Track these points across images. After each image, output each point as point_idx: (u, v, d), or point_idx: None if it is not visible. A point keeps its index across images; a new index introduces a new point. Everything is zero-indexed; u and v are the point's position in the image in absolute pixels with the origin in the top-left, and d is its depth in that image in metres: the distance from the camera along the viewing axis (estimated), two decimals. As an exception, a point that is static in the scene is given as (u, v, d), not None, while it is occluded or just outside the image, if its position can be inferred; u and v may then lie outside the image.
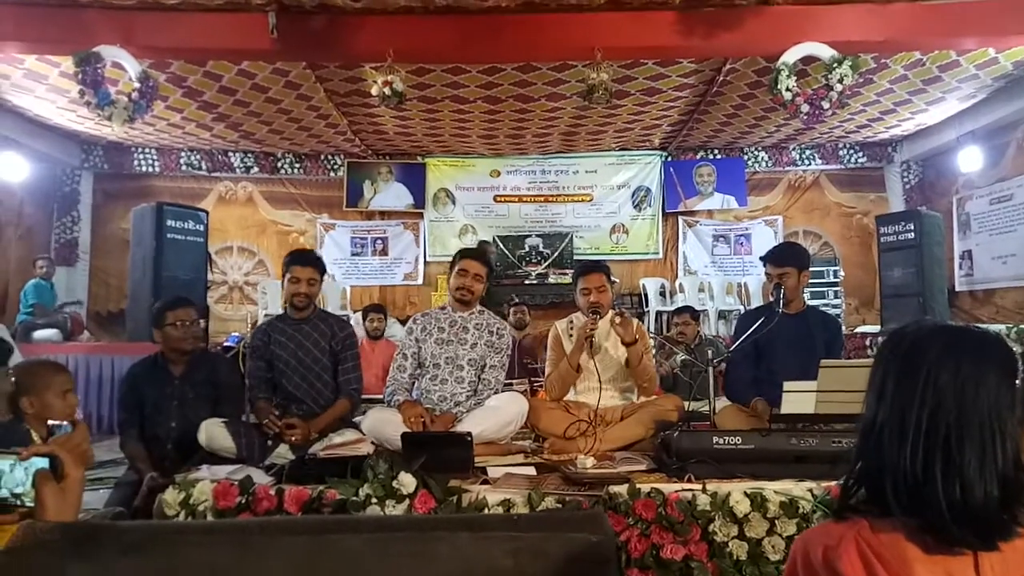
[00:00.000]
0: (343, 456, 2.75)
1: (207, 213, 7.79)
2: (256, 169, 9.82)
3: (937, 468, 1.00)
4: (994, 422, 1.01)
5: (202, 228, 7.48)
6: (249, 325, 8.58)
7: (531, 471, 2.90)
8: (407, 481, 2.41)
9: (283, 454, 3.17)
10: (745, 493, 2.39)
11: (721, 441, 2.71)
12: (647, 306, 9.42)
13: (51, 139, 8.62)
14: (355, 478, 2.48)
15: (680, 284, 9.72)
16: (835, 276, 8.98)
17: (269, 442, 3.28)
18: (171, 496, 2.47)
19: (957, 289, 8.77)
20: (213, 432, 3.18)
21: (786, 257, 3.67)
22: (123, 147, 9.42)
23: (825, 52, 5.26)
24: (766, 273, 3.74)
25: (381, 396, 3.78)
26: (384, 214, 10.19)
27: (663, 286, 9.70)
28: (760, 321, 3.53)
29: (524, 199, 10.19)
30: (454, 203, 10.15)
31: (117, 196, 9.74)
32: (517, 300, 7.06)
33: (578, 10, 5.43)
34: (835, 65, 5.17)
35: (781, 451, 2.66)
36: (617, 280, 8.70)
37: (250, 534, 1.22)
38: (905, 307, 7.61)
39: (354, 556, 1.14)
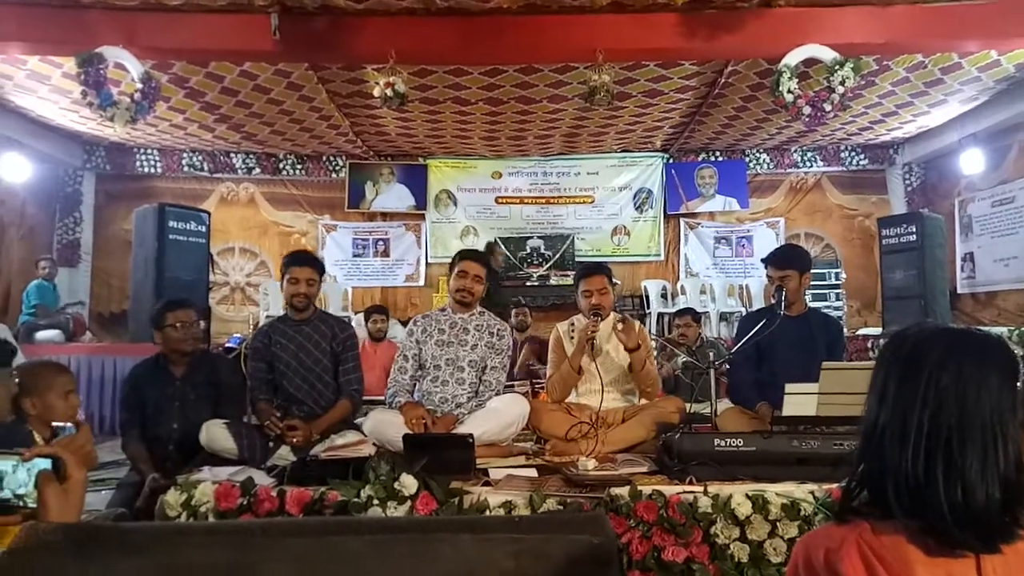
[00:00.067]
0: (345, 457, 2.75)
1: (209, 214, 7.79)
2: (258, 170, 9.83)
3: (939, 470, 1.00)
4: (996, 424, 1.01)
5: (204, 229, 7.49)
6: (251, 326, 8.57)
7: (532, 473, 2.90)
8: (408, 483, 2.41)
9: (285, 455, 3.18)
10: (747, 495, 2.38)
11: (723, 443, 2.71)
12: (648, 308, 9.42)
13: (53, 140, 8.63)
14: (357, 479, 2.48)
15: (681, 286, 9.72)
16: (837, 278, 8.97)
17: (270, 443, 3.29)
18: (173, 497, 2.47)
19: (959, 291, 8.76)
20: (215, 433, 3.19)
21: (787, 260, 3.67)
22: (125, 148, 9.43)
23: (827, 54, 5.26)
24: (767, 276, 3.74)
25: (383, 397, 3.78)
26: (386, 215, 10.19)
27: (665, 288, 9.69)
28: (762, 323, 3.53)
29: (526, 201, 10.19)
30: (456, 204, 10.15)
31: (119, 197, 9.75)
32: (520, 302, 7.06)
33: (580, 12, 5.43)
34: (837, 67, 5.17)
35: (783, 453, 2.66)
36: (619, 282, 8.68)
37: (252, 535, 1.22)
38: (907, 309, 7.61)
39: (355, 557, 1.14)
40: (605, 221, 10.15)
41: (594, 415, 3.48)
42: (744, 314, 6.70)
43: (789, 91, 5.26)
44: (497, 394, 3.55)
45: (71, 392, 2.61)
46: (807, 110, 5.31)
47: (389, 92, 5.43)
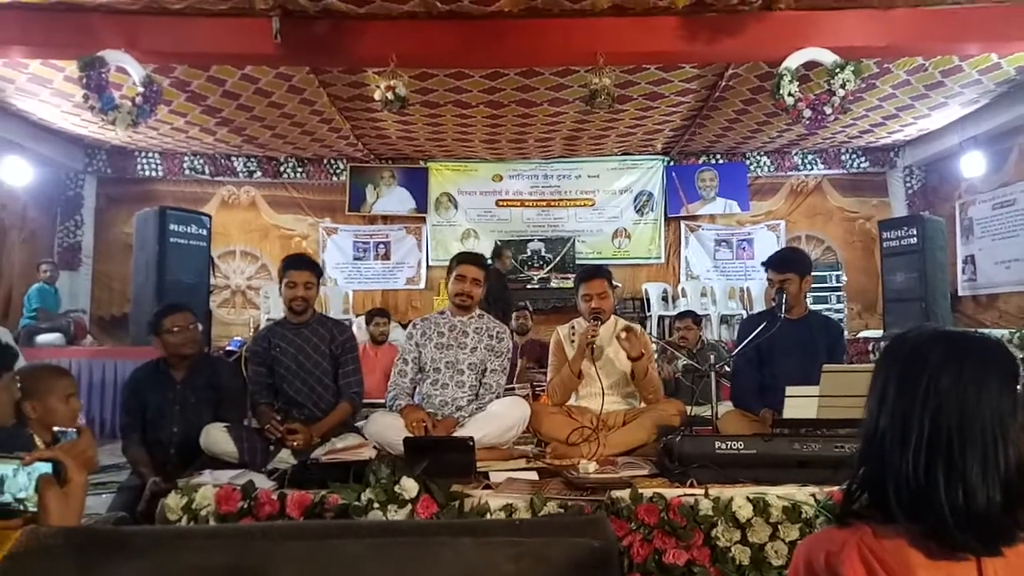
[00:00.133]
0: (345, 461, 2.75)
1: (210, 217, 7.80)
2: (259, 173, 9.85)
3: (939, 473, 1.00)
4: (996, 427, 1.01)
5: (205, 232, 7.49)
6: (252, 329, 8.58)
7: (533, 476, 2.89)
8: (409, 486, 2.41)
9: (285, 459, 3.18)
10: (748, 498, 2.38)
11: (723, 446, 2.70)
12: (649, 311, 9.42)
13: (55, 143, 8.64)
14: (357, 483, 2.48)
15: (682, 288, 9.72)
16: (838, 281, 8.98)
17: (271, 447, 3.28)
18: (173, 501, 2.47)
19: (960, 294, 8.76)
20: (215, 437, 3.18)
21: (788, 263, 3.66)
22: (126, 151, 9.45)
23: (827, 57, 5.26)
24: (768, 279, 3.73)
25: (384, 401, 3.77)
26: (386, 218, 10.21)
27: (665, 291, 9.70)
28: (762, 327, 3.52)
29: (526, 203, 10.20)
30: (456, 207, 10.16)
31: (120, 200, 9.77)
32: (523, 305, 7.06)
33: (580, 15, 5.44)
34: (837, 70, 5.18)
35: (784, 456, 2.66)
36: (619, 285, 8.69)
37: (252, 539, 1.23)
38: (908, 312, 7.61)
39: (356, 561, 1.14)
40: (606, 224, 10.16)
41: (595, 418, 3.47)
42: (745, 317, 6.68)
43: (790, 94, 5.27)
44: (497, 397, 3.55)
45: (72, 396, 2.60)
46: (807, 113, 5.32)
47: (390, 95, 5.43)
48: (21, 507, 1.18)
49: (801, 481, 2.54)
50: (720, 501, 2.38)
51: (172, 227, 7.08)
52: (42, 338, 7.38)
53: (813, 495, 2.41)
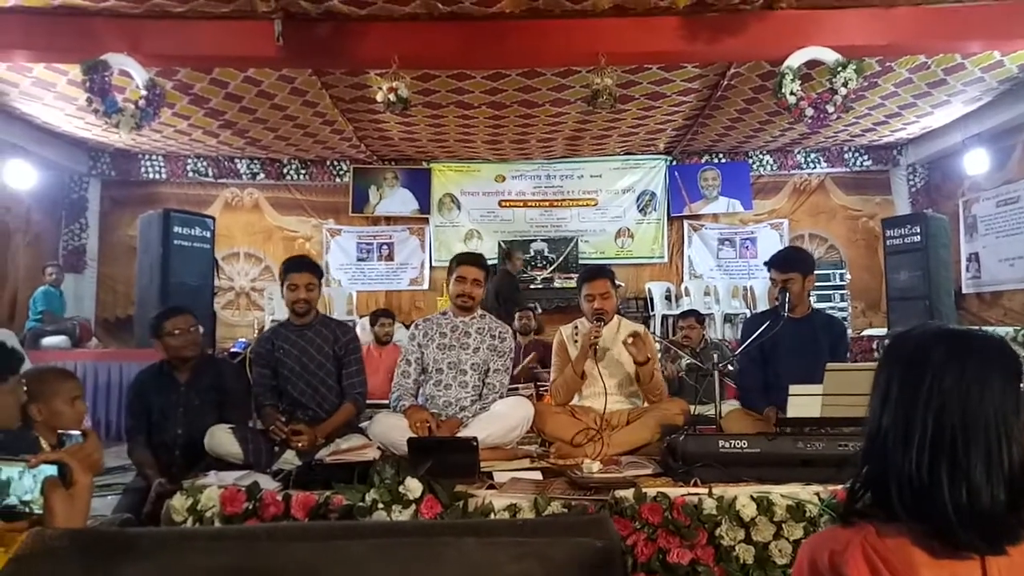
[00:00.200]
0: (350, 461, 2.75)
1: (214, 219, 7.81)
2: (262, 175, 9.86)
3: (943, 472, 1.00)
4: (1000, 425, 1.01)
5: (209, 234, 7.50)
6: (256, 331, 8.60)
7: (537, 476, 2.90)
8: (413, 486, 2.42)
9: (290, 460, 3.18)
10: (751, 497, 2.38)
11: (727, 445, 2.70)
12: (652, 310, 9.42)
13: (59, 146, 8.67)
14: (361, 483, 2.49)
15: (686, 288, 9.72)
16: (841, 279, 8.97)
17: (276, 448, 3.29)
18: (179, 502, 2.48)
19: (964, 291, 8.74)
20: (220, 438, 3.19)
21: (791, 262, 3.66)
22: (130, 154, 9.47)
23: (829, 56, 5.26)
24: (771, 278, 3.73)
25: (388, 401, 3.78)
26: (390, 219, 10.22)
27: (669, 290, 9.70)
28: (765, 325, 3.52)
29: (529, 204, 10.20)
30: (459, 208, 10.17)
31: (124, 203, 9.79)
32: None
33: (582, 16, 5.44)
34: (839, 69, 5.17)
35: (787, 455, 2.66)
36: (622, 284, 8.70)
37: (257, 540, 1.23)
38: (911, 310, 7.59)
39: (360, 561, 1.14)
40: (609, 224, 10.15)
41: (599, 418, 3.48)
42: (748, 316, 6.67)
43: (792, 93, 5.27)
44: (501, 397, 3.55)
45: (77, 398, 2.61)
46: (810, 112, 5.31)
47: (392, 97, 5.44)
48: (27, 509, 1.19)
49: (805, 480, 2.54)
50: (724, 500, 2.38)
51: (176, 229, 7.09)
52: (47, 341, 7.40)
53: (817, 494, 2.41)
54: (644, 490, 2.44)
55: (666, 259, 10.15)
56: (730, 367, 4.32)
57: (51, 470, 1.19)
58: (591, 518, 1.54)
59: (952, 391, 1.03)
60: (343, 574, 1.13)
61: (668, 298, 9.59)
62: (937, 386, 1.04)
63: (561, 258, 9.55)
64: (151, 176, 9.64)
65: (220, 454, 3.16)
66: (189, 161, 9.63)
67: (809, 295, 3.75)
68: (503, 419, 3.34)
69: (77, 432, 1.39)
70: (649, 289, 9.64)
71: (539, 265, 9.45)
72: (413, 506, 2.41)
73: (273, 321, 7.68)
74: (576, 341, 3.74)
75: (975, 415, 1.02)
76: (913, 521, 1.01)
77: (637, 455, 3.24)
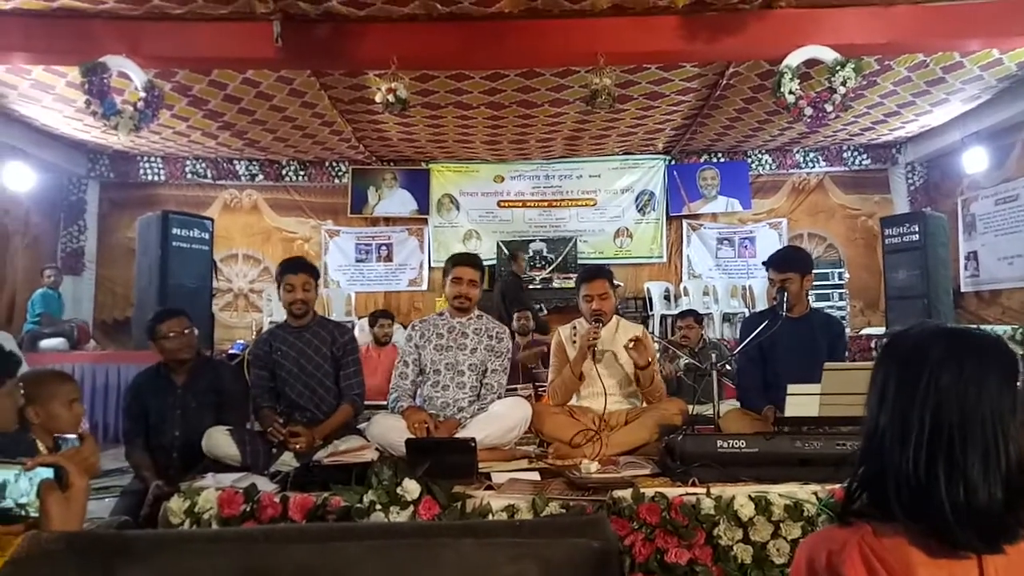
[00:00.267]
0: (347, 463, 2.75)
1: (212, 221, 7.81)
2: (261, 177, 9.86)
3: (940, 471, 1.00)
4: (997, 424, 1.01)
5: (207, 236, 7.50)
6: (254, 332, 8.60)
7: (535, 476, 2.90)
8: (411, 487, 2.42)
9: (288, 461, 3.18)
10: (749, 497, 2.38)
11: (725, 445, 2.71)
12: (651, 310, 9.42)
13: (57, 148, 8.67)
14: (359, 485, 2.48)
15: (684, 287, 9.72)
16: (840, 278, 8.97)
17: (273, 450, 3.29)
18: (176, 504, 2.48)
19: (963, 290, 8.74)
20: (218, 440, 3.19)
21: (789, 262, 3.66)
22: (129, 156, 9.47)
23: (828, 55, 5.26)
24: (769, 278, 3.73)
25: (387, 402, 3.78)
26: (388, 220, 10.22)
27: (667, 290, 9.70)
28: (763, 325, 3.52)
29: (528, 204, 10.20)
30: (458, 209, 10.17)
31: (123, 205, 9.79)
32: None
33: (581, 16, 5.44)
34: (838, 68, 5.17)
35: (785, 454, 2.66)
36: (621, 284, 8.70)
37: (254, 542, 1.23)
38: (910, 309, 7.59)
39: (358, 563, 1.14)
40: (607, 223, 10.15)
41: (597, 418, 3.47)
42: (747, 315, 6.67)
43: (790, 92, 5.27)
44: (499, 397, 3.55)
45: (75, 401, 2.61)
46: (808, 111, 5.31)
47: (391, 98, 5.44)
48: (23, 512, 1.19)
49: (803, 479, 2.54)
50: (722, 500, 2.38)
51: (174, 231, 7.09)
52: (46, 343, 7.40)
53: (815, 493, 2.41)
54: (642, 490, 2.44)
55: (665, 259, 10.15)
56: (728, 367, 4.32)
57: (47, 473, 1.19)
58: (588, 519, 1.54)
59: (949, 390, 1.03)
60: (340, 576, 1.13)
61: (667, 298, 9.59)
62: (934, 385, 1.04)
63: (560, 258, 9.55)
64: (150, 178, 9.63)
65: (218, 456, 3.16)
66: (188, 163, 9.63)
67: (807, 294, 3.75)
68: (501, 420, 3.34)
69: (73, 436, 1.39)
70: (648, 289, 9.64)
71: (538, 265, 9.45)
72: (411, 507, 2.41)
73: (271, 323, 7.68)
74: (574, 342, 3.74)
75: (972, 414, 1.02)
76: (910, 520, 1.01)
77: (635, 455, 3.24)
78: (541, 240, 9.74)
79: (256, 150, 9.22)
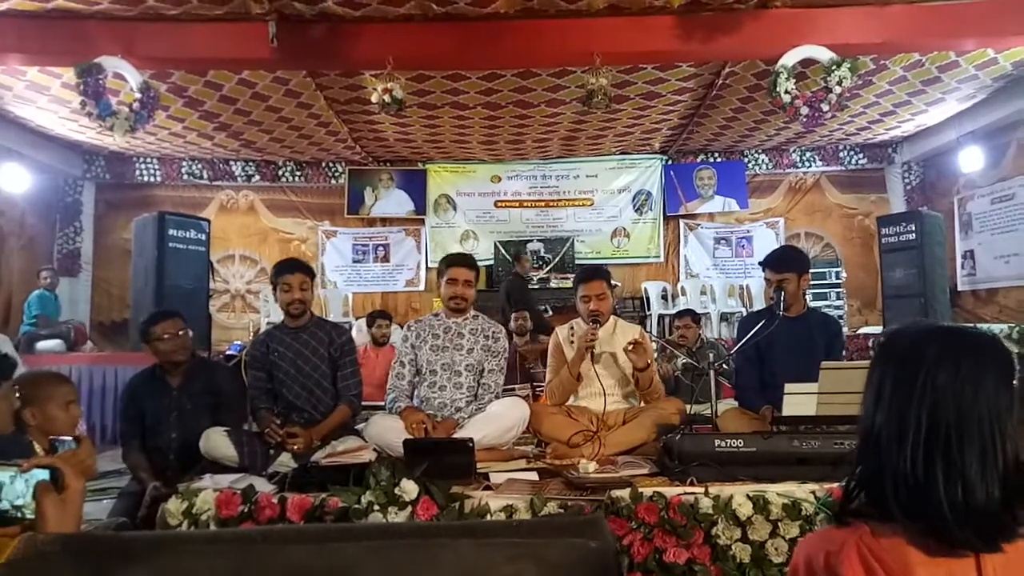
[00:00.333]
0: (345, 464, 2.75)
1: (209, 222, 7.80)
2: (257, 177, 9.85)
3: (938, 470, 1.00)
4: (994, 423, 1.01)
5: (204, 237, 7.49)
6: (252, 333, 8.59)
7: (533, 476, 2.90)
8: (409, 488, 2.41)
9: (285, 462, 3.18)
10: (748, 496, 2.39)
11: (723, 444, 2.71)
12: (649, 309, 9.43)
13: (53, 150, 8.65)
14: (357, 485, 2.48)
15: (682, 287, 9.73)
16: (837, 277, 8.99)
17: (271, 451, 3.28)
18: (174, 506, 2.47)
19: (960, 289, 8.76)
20: (215, 441, 3.18)
21: (785, 263, 3.66)
22: (125, 157, 9.45)
23: (824, 54, 5.26)
24: (766, 278, 3.73)
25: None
26: (385, 221, 10.21)
27: (665, 289, 9.70)
28: (760, 324, 3.53)
29: (525, 204, 10.20)
30: (455, 209, 10.17)
31: (119, 206, 9.77)
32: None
33: (577, 16, 5.44)
34: (834, 67, 5.18)
35: (783, 453, 2.67)
36: (618, 284, 8.70)
37: (252, 543, 1.23)
38: (907, 308, 7.61)
39: (355, 563, 1.14)
40: (605, 223, 10.16)
41: (595, 418, 3.47)
42: (744, 315, 6.67)
43: (786, 92, 5.27)
44: (497, 397, 3.55)
45: (72, 403, 2.60)
46: (804, 110, 5.32)
47: (387, 98, 5.44)
48: (19, 514, 1.18)
49: (801, 478, 2.54)
50: (720, 499, 2.38)
51: (171, 232, 7.09)
52: (42, 345, 7.39)
53: (813, 492, 2.42)
54: (640, 490, 2.44)
55: (662, 258, 10.16)
56: (726, 366, 4.33)
57: (43, 475, 1.19)
58: (586, 519, 1.54)
59: (946, 389, 1.03)
60: (337, 577, 1.12)
61: (664, 297, 9.60)
62: (931, 384, 1.04)
63: (557, 258, 9.56)
64: (146, 179, 9.62)
65: (216, 457, 3.15)
66: (184, 164, 9.61)
67: (805, 294, 3.75)
68: (499, 420, 3.34)
69: (69, 438, 1.39)
70: (645, 289, 9.65)
71: (535, 265, 9.45)
72: (409, 508, 2.40)
73: (269, 323, 7.68)
74: (572, 342, 3.73)
75: (969, 413, 1.02)
76: (908, 520, 1.01)
77: (633, 455, 3.24)
78: (538, 240, 9.74)
79: (252, 151, 9.21)
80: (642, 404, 3.65)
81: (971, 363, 1.05)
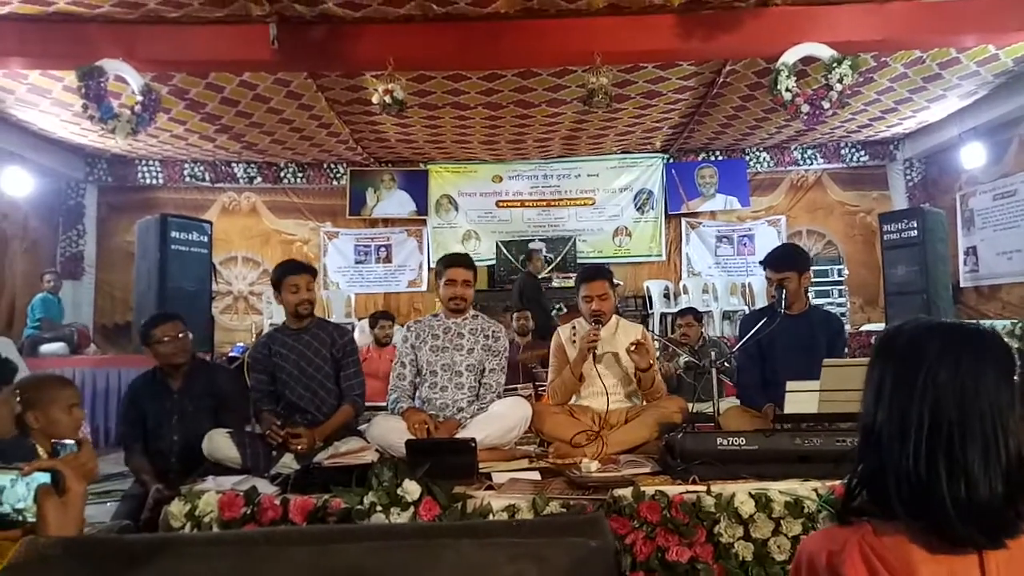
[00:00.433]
0: (348, 464, 2.75)
1: (211, 224, 7.80)
2: (259, 179, 9.86)
3: (941, 467, 1.00)
4: (996, 419, 1.01)
5: (206, 239, 7.49)
6: (254, 335, 8.60)
7: (536, 476, 2.90)
8: (411, 488, 2.41)
9: (288, 464, 3.18)
10: (750, 494, 2.39)
11: (725, 442, 2.70)
12: (651, 308, 9.42)
13: (55, 153, 8.67)
14: (360, 486, 2.48)
15: (684, 286, 9.72)
16: (839, 275, 8.97)
17: (274, 452, 3.28)
18: (177, 508, 2.48)
19: (962, 285, 8.75)
20: (218, 443, 3.19)
21: (785, 262, 3.65)
22: (127, 160, 9.47)
23: (824, 52, 5.26)
24: (766, 277, 3.73)
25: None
26: (387, 221, 10.22)
27: (667, 288, 9.70)
28: (762, 322, 3.52)
29: (527, 204, 10.21)
30: (457, 209, 10.17)
31: (121, 209, 9.79)
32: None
33: (577, 15, 5.44)
34: (835, 65, 5.17)
35: (785, 451, 2.66)
36: (620, 283, 8.70)
37: (255, 545, 1.22)
38: (910, 305, 7.59)
39: (357, 564, 1.14)
40: (606, 223, 10.16)
41: (597, 417, 3.47)
42: (746, 313, 6.67)
43: (787, 89, 5.26)
44: (498, 396, 3.55)
45: (75, 406, 2.60)
46: (805, 108, 5.31)
47: (388, 99, 5.45)
48: (20, 517, 1.18)
49: (803, 476, 2.54)
50: (722, 497, 2.38)
51: (173, 234, 7.08)
52: (46, 348, 7.40)
53: (815, 490, 2.42)
54: (642, 488, 2.44)
55: (664, 257, 10.16)
56: (728, 364, 4.32)
57: (44, 478, 1.19)
58: (586, 518, 1.54)
59: (947, 386, 1.03)
60: (339, 578, 1.12)
61: (667, 296, 9.60)
62: (932, 381, 1.03)
63: (559, 258, 9.55)
64: (148, 181, 9.63)
65: (218, 459, 3.16)
66: (186, 166, 9.63)
67: (806, 292, 3.75)
68: (501, 420, 3.34)
69: (71, 441, 1.39)
70: (647, 287, 9.65)
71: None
72: (412, 508, 2.40)
73: (271, 325, 7.69)
74: (574, 342, 3.73)
75: (971, 409, 1.01)
76: (911, 517, 1.00)
77: (635, 454, 3.24)
78: (540, 240, 9.72)
79: (254, 153, 9.22)
80: (644, 403, 3.65)
81: (971, 359, 1.04)
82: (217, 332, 8.27)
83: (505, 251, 9.51)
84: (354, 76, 6.55)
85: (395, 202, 10.02)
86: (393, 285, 10.13)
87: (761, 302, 8.99)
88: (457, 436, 3.21)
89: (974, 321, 1.30)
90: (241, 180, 9.82)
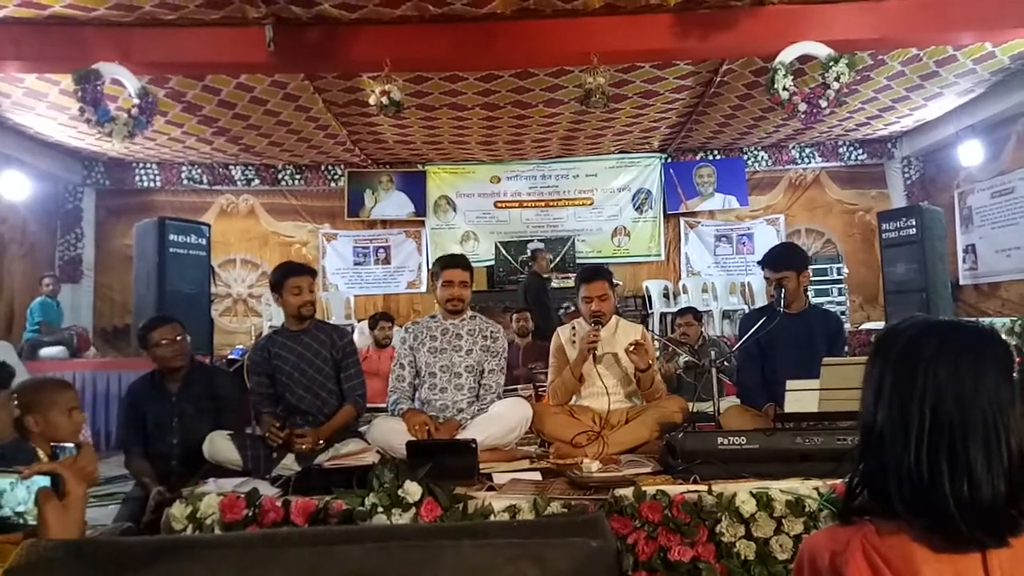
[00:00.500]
0: (349, 466, 2.75)
1: (209, 227, 7.79)
2: (257, 181, 9.85)
3: (944, 466, 0.99)
4: (997, 416, 1.01)
5: (204, 242, 7.48)
6: (254, 337, 8.59)
7: (537, 476, 2.90)
8: (413, 489, 2.41)
9: (289, 465, 3.18)
10: (751, 493, 2.39)
11: (726, 441, 2.70)
12: (650, 308, 9.42)
13: (53, 156, 8.66)
14: (361, 488, 2.48)
15: (683, 285, 9.73)
16: (838, 273, 8.98)
17: (275, 454, 3.28)
18: (178, 510, 2.47)
19: (961, 283, 8.76)
20: (219, 445, 3.19)
21: (783, 261, 3.65)
22: (124, 163, 9.46)
23: (821, 51, 5.26)
24: (765, 277, 3.73)
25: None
26: (386, 223, 10.21)
27: (666, 287, 9.70)
28: (761, 321, 3.52)
29: (525, 204, 10.20)
30: (455, 210, 10.17)
31: (119, 212, 9.78)
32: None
33: (573, 15, 5.44)
34: (831, 63, 5.17)
35: (786, 450, 2.66)
36: (620, 283, 8.70)
37: (256, 547, 1.23)
38: (909, 303, 7.59)
39: (358, 566, 1.14)
40: (605, 222, 10.16)
41: (598, 417, 3.47)
42: (746, 312, 6.67)
43: (784, 88, 5.26)
44: (498, 396, 3.55)
45: (75, 409, 2.60)
46: (803, 107, 5.31)
47: (385, 100, 5.44)
48: (21, 521, 1.18)
49: (804, 475, 2.54)
50: (724, 497, 2.38)
51: (171, 237, 7.07)
52: (45, 351, 7.39)
53: (816, 488, 2.42)
54: (644, 488, 2.44)
55: (663, 257, 10.16)
56: (727, 364, 4.32)
57: (44, 481, 1.19)
58: (586, 518, 1.54)
59: (947, 384, 1.02)
60: (341, 579, 1.12)
61: (666, 296, 9.60)
62: (932, 380, 1.03)
63: (558, 258, 9.55)
64: (146, 184, 9.62)
65: (219, 461, 3.16)
66: (183, 169, 9.62)
67: (805, 291, 3.75)
68: (502, 420, 3.34)
69: (71, 444, 1.39)
70: (647, 287, 9.65)
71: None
72: (413, 509, 2.40)
73: (271, 327, 7.68)
74: (574, 343, 3.73)
75: (971, 407, 1.01)
76: (913, 516, 1.00)
77: (636, 453, 3.24)
78: (539, 240, 9.73)
79: (251, 155, 9.21)
80: (644, 403, 3.65)
81: (970, 357, 1.04)
82: (216, 334, 8.26)
83: (504, 252, 9.51)
84: (351, 78, 6.55)
85: (393, 203, 10.01)
86: (392, 286, 10.13)
87: (761, 301, 8.99)
88: (458, 437, 3.21)
89: (973, 319, 1.30)
90: (239, 182, 9.82)
